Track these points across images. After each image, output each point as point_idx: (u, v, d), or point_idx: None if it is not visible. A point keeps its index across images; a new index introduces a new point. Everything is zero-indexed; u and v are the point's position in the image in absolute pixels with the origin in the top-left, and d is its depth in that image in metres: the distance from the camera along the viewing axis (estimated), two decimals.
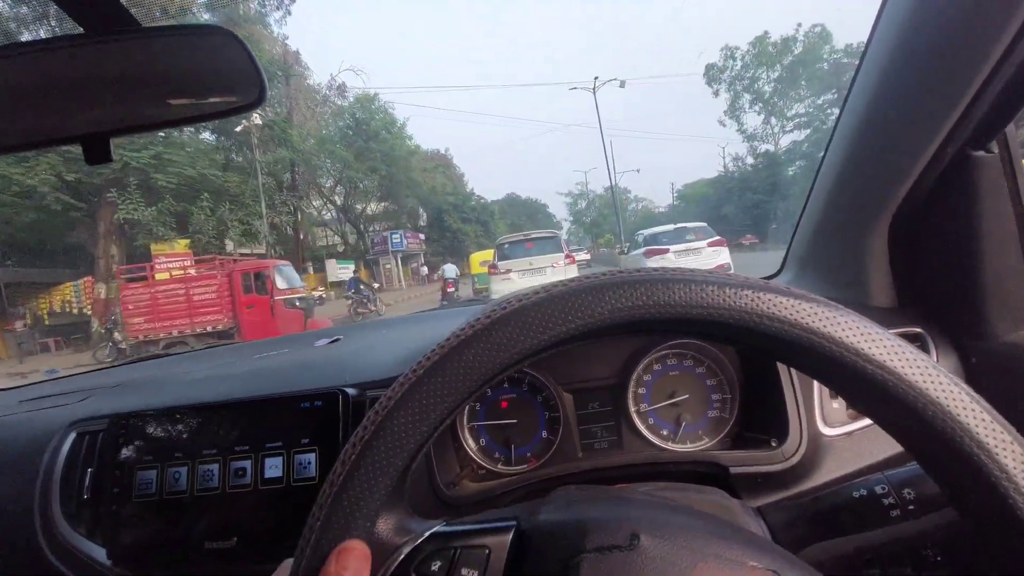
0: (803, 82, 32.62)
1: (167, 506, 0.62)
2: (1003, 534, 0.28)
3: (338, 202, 28.05)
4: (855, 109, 0.71)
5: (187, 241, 16.17)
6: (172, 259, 13.34)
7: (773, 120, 34.59)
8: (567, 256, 10.24)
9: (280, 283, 11.92)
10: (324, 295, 20.06)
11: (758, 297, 0.30)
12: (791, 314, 0.29)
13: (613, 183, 28.70)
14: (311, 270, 25.84)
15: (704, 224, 10.88)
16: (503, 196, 56.98)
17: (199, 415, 0.66)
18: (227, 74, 0.54)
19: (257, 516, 0.61)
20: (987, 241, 0.63)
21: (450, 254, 30.45)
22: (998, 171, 0.61)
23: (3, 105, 0.50)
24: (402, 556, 0.32)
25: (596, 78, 28.17)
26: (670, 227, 11.09)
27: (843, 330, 0.29)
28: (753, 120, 35.56)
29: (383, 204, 30.84)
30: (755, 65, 34.85)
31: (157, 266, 12.80)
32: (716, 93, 37.10)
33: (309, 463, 0.62)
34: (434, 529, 0.35)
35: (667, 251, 9.58)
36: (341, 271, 25.67)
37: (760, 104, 35.16)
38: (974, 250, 0.63)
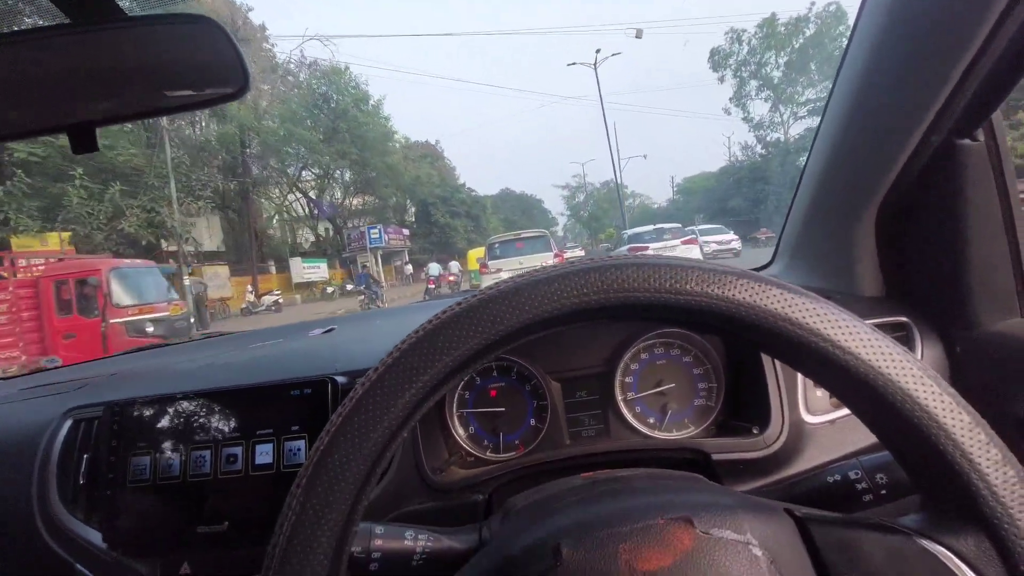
0: (815, 65, 32.76)
1: (160, 491, 0.67)
2: (966, 523, 0.31)
3: (309, 192, 26.70)
4: (841, 98, 0.76)
5: (67, 234, 13.29)
6: (39, 257, 9.42)
7: (782, 107, 34.80)
8: (556, 255, 11.09)
9: (121, 296, 8.29)
10: (280, 300, 18.24)
11: (659, 272, 0.32)
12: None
13: (617, 169, 27.74)
14: (272, 269, 24.27)
15: (679, 225, 14.65)
16: (497, 191, 57.26)
17: (191, 403, 0.70)
18: (210, 63, 0.57)
19: (248, 501, 0.66)
20: (973, 230, 0.67)
21: (439, 251, 29.92)
22: (984, 159, 0.65)
23: None
24: None
25: (598, 51, 27.09)
26: (650, 227, 14.14)
27: (752, 294, 0.32)
28: (761, 108, 35.73)
29: (363, 196, 29.63)
30: (763, 49, 34.98)
31: (17, 267, 8.83)
32: (721, 79, 37.27)
33: (299, 449, 0.67)
34: None
35: (647, 248, 11.75)
36: (308, 271, 24.19)
37: (769, 90, 35.30)
38: (960, 239, 0.67)
